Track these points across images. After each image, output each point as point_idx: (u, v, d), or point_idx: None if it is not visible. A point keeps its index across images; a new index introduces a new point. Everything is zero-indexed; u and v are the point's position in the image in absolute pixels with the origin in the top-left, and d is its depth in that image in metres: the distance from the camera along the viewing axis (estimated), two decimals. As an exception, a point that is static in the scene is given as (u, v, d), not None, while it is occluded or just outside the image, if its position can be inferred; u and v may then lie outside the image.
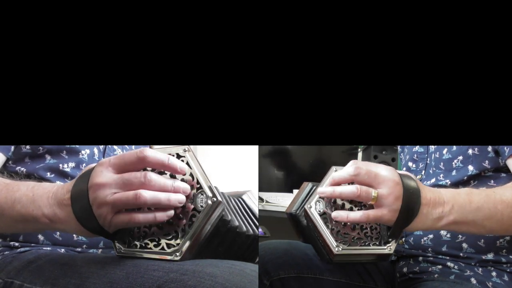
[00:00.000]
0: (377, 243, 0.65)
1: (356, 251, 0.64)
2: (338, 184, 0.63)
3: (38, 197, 0.56)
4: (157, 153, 0.54)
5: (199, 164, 0.58)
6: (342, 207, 0.66)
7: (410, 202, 0.60)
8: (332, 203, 0.66)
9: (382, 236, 0.65)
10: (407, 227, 0.61)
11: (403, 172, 0.64)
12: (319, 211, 0.65)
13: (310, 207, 0.65)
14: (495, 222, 0.63)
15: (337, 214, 0.63)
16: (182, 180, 0.57)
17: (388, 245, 0.65)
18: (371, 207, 0.62)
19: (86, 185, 0.53)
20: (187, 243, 0.55)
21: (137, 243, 0.57)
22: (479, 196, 0.63)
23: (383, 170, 0.61)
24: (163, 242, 0.56)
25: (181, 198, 0.55)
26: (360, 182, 0.61)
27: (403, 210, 0.60)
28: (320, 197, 0.65)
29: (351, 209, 0.65)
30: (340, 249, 0.63)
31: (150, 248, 0.56)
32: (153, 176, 0.52)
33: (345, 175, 0.62)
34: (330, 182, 0.64)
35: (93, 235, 0.54)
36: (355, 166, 0.61)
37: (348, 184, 0.63)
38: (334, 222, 0.64)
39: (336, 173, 0.63)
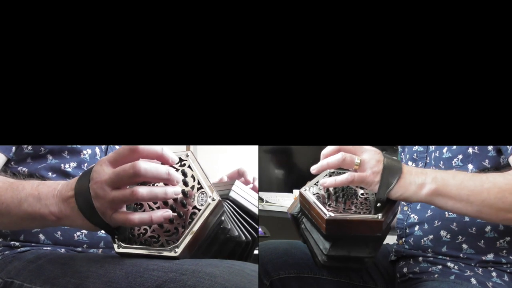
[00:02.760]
0: (367, 213, 0.67)
1: (347, 217, 0.65)
2: (327, 156, 0.68)
3: (44, 196, 0.56)
4: (150, 146, 0.54)
5: (200, 166, 0.59)
6: (334, 189, 0.71)
7: (390, 168, 0.65)
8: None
9: (371, 208, 0.67)
10: (392, 193, 0.65)
11: (388, 155, 0.69)
12: (313, 192, 0.70)
13: (306, 189, 0.70)
14: (482, 201, 0.63)
15: (324, 180, 0.68)
16: (184, 181, 0.57)
17: (378, 213, 0.65)
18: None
19: (88, 182, 0.53)
20: (187, 241, 0.55)
21: (137, 239, 0.57)
22: (465, 174, 0.66)
23: (365, 146, 0.67)
24: (163, 238, 0.56)
25: (177, 190, 0.55)
26: (345, 151, 0.66)
27: (384, 173, 0.64)
28: (315, 184, 0.71)
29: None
30: (332, 214, 0.64)
31: (150, 245, 0.56)
32: (142, 165, 0.51)
33: (332, 148, 0.67)
34: (321, 158, 0.69)
35: (98, 228, 0.55)
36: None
37: None
38: (326, 199, 0.69)
39: (325, 149, 0.68)
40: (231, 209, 0.66)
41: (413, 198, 0.66)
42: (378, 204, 0.65)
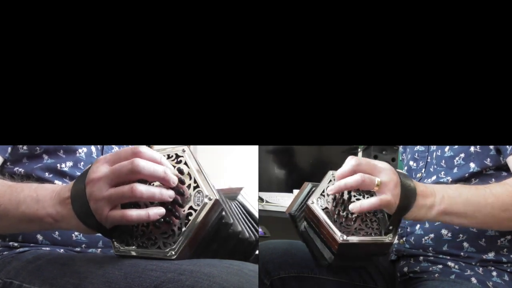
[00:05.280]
0: (378, 233, 0.68)
1: (359, 240, 0.66)
2: (343, 177, 0.66)
3: (42, 198, 0.56)
4: (151, 150, 0.54)
5: (197, 164, 0.57)
6: (343, 202, 0.68)
7: (408, 190, 0.65)
8: (333, 199, 0.68)
9: (382, 227, 0.68)
10: (406, 215, 0.66)
11: (397, 170, 0.68)
12: (321, 206, 0.67)
13: (312, 202, 0.67)
14: (486, 215, 0.66)
15: (352, 207, 0.66)
16: (180, 179, 0.57)
17: (388, 234, 0.67)
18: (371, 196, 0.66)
19: (84, 183, 0.53)
20: (183, 242, 0.54)
21: (135, 242, 0.57)
22: (469, 189, 0.68)
23: (379, 163, 0.67)
24: (160, 240, 0.55)
25: (171, 193, 0.55)
26: (362, 172, 0.64)
27: (402, 196, 0.64)
28: (321, 194, 0.68)
29: (352, 201, 0.68)
30: (345, 237, 0.64)
31: (147, 247, 0.56)
32: (141, 162, 0.52)
33: (348, 168, 0.65)
34: (336, 180, 0.67)
35: (94, 231, 0.55)
36: (355, 158, 0.65)
37: None
38: (336, 215, 0.67)
39: (339, 169, 0.66)
40: (239, 208, 0.68)
41: (423, 219, 0.68)
42: (391, 227, 0.67)
